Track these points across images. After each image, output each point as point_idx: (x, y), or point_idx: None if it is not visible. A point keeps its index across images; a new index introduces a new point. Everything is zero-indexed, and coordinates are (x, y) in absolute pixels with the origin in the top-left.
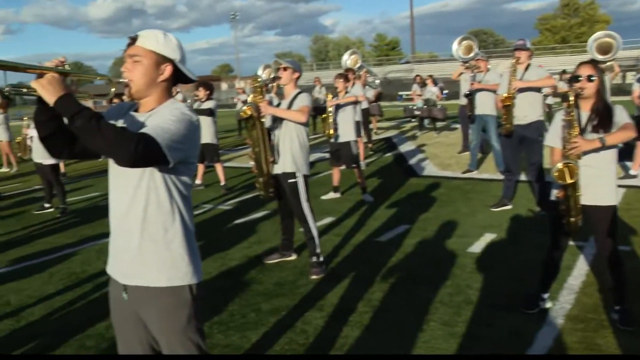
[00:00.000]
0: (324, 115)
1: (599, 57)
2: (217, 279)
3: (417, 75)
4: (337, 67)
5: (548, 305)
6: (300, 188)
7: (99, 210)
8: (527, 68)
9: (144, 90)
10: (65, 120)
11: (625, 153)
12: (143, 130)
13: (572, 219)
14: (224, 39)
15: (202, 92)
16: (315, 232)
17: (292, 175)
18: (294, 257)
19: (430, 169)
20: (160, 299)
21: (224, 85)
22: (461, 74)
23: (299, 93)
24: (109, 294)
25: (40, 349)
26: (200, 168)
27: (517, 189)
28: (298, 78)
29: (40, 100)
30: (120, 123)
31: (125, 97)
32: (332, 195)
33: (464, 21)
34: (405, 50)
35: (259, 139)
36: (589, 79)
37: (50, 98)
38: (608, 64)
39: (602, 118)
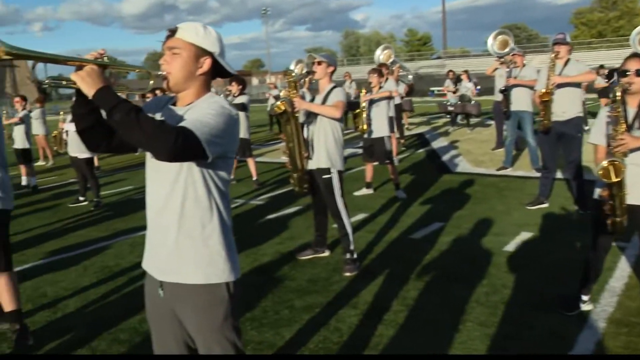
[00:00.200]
0: (356, 111)
1: None
2: (250, 275)
3: (450, 71)
4: (367, 62)
5: (588, 307)
6: (335, 184)
7: (132, 204)
8: (566, 63)
9: (182, 84)
10: (104, 113)
11: None
12: (182, 123)
13: (617, 219)
14: (255, 34)
15: (234, 87)
16: (349, 229)
17: (327, 171)
18: (327, 253)
19: (464, 165)
20: (197, 297)
21: (254, 80)
22: (496, 69)
23: (333, 87)
24: (144, 289)
25: (74, 341)
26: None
27: (553, 187)
28: (333, 72)
29: (78, 93)
30: (158, 116)
31: (158, 92)
32: (364, 191)
33: (496, 16)
34: (436, 46)
35: (293, 134)
36: (638, 73)
37: (89, 90)
38: None
39: None
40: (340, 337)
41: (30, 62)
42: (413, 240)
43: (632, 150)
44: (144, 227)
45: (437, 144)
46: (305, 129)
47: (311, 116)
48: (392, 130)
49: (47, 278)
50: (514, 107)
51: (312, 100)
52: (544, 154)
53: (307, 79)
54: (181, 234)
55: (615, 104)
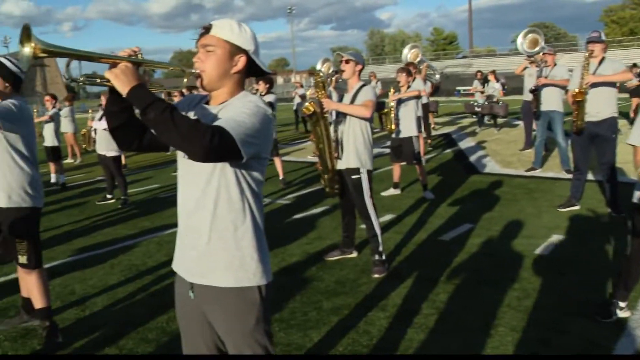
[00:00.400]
0: (384, 111)
1: None
2: (277, 275)
3: (478, 71)
4: (392, 61)
5: (626, 314)
6: (364, 184)
7: (159, 202)
8: (601, 61)
9: (216, 82)
10: (137, 111)
11: None
12: (216, 123)
13: None
14: (280, 33)
15: (262, 86)
16: (378, 230)
17: (356, 171)
18: (354, 254)
19: (492, 166)
20: (228, 300)
21: (279, 79)
22: (525, 68)
23: (362, 86)
24: (175, 291)
25: (102, 340)
26: None
27: (585, 189)
28: (361, 70)
29: (112, 91)
30: (191, 115)
31: (185, 91)
32: (392, 191)
33: (523, 14)
34: (462, 45)
35: (322, 135)
36: None
37: (123, 88)
38: None
39: None
40: (369, 341)
41: (60, 62)
42: (442, 242)
43: None
44: (170, 226)
45: (464, 144)
46: (334, 129)
47: (340, 116)
48: (420, 130)
49: (75, 276)
50: (544, 107)
51: (341, 99)
52: (576, 155)
53: (333, 78)
54: (213, 236)
55: None
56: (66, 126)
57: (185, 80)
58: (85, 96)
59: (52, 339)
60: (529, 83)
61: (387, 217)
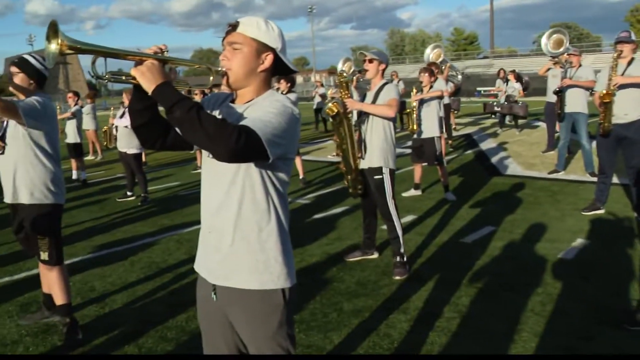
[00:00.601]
0: (407, 111)
1: None
2: (297, 276)
3: (501, 69)
4: (413, 61)
5: None
6: (387, 185)
7: (179, 200)
8: (630, 62)
9: (242, 80)
10: (161, 109)
11: None
12: (243, 122)
13: None
14: (300, 32)
15: (283, 84)
16: (400, 231)
17: (379, 170)
18: (375, 255)
19: (514, 168)
20: (250, 303)
21: (299, 78)
22: (549, 69)
23: (384, 84)
24: (196, 292)
25: (122, 338)
26: None
27: (609, 193)
28: (384, 70)
29: (137, 88)
30: (216, 114)
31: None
32: (413, 192)
33: (545, 14)
34: (483, 45)
35: (346, 135)
36: None
37: (148, 86)
38: None
39: None
40: (390, 344)
41: (84, 59)
42: (464, 245)
43: None
44: (190, 224)
45: (486, 145)
46: (356, 128)
47: (363, 115)
48: (441, 131)
49: (95, 272)
50: (568, 108)
51: (363, 98)
52: (601, 158)
53: (354, 78)
54: (237, 238)
55: None
56: (88, 123)
57: (211, 78)
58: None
59: (72, 336)
60: (553, 84)
61: (408, 218)
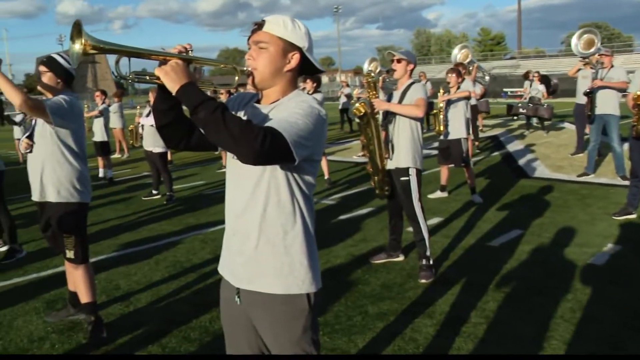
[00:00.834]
0: (434, 111)
1: None
2: (321, 278)
3: (528, 72)
4: (439, 62)
5: None
6: (413, 186)
7: (204, 199)
8: None
9: (268, 80)
10: (185, 109)
11: None
12: (268, 123)
13: None
14: (326, 32)
15: (309, 84)
16: (426, 234)
17: (406, 172)
18: (401, 258)
19: (542, 170)
20: (274, 307)
21: (324, 78)
22: (579, 70)
23: (411, 84)
24: (220, 294)
25: (145, 337)
26: None
27: None
28: (412, 70)
29: (161, 88)
30: (241, 115)
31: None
32: (439, 194)
33: (573, 14)
34: (510, 45)
35: (373, 136)
36: None
37: (173, 86)
38: None
39: None
40: (416, 349)
41: (111, 58)
42: (491, 248)
43: None
44: (215, 223)
45: (513, 147)
46: (383, 128)
47: (390, 115)
48: (468, 132)
49: (120, 270)
50: (599, 110)
51: (389, 99)
52: (634, 161)
53: (380, 78)
54: (262, 241)
55: None
56: (115, 122)
57: (236, 78)
58: (133, 92)
59: (97, 334)
60: (583, 85)
61: (434, 221)
